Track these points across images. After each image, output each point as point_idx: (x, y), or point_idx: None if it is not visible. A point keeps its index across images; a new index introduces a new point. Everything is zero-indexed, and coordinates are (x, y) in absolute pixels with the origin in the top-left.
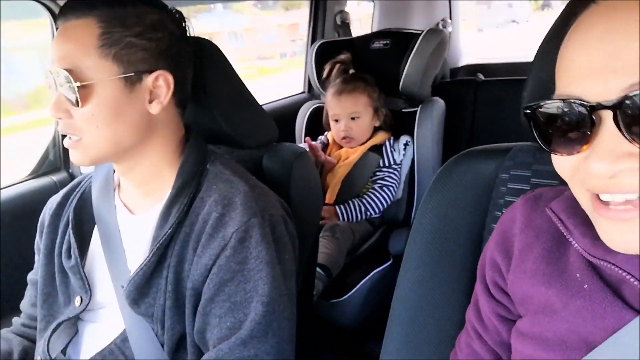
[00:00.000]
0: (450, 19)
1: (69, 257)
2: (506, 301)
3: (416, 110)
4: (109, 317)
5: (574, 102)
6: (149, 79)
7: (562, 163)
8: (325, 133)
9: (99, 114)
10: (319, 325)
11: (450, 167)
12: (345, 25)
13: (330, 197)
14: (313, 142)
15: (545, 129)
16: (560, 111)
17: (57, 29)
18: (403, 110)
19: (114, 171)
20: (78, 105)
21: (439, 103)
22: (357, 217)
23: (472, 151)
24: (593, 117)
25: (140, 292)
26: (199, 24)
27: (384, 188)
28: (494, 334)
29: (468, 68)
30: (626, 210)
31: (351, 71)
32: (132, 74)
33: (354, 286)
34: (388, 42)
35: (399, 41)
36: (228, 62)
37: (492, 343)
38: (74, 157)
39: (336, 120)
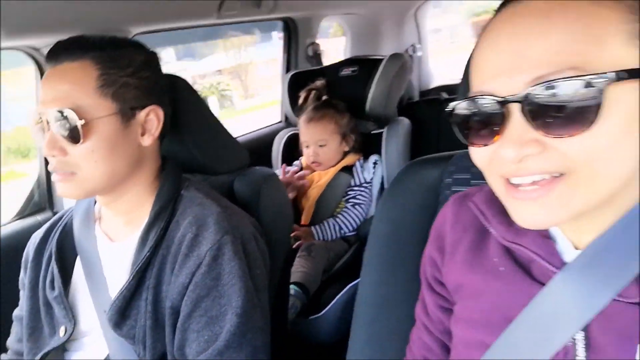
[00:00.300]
0: (420, 44)
1: (53, 288)
2: (445, 292)
3: (383, 131)
4: (92, 345)
5: (486, 98)
6: (141, 114)
7: (479, 154)
8: (300, 158)
9: (99, 149)
10: (299, 342)
11: (400, 177)
12: (317, 56)
13: (305, 218)
14: (288, 168)
15: (464, 124)
16: (475, 107)
17: (42, 73)
18: (372, 132)
19: (95, 202)
20: (78, 142)
21: (404, 122)
22: (332, 235)
23: (419, 160)
24: (503, 110)
25: (122, 314)
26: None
27: (357, 206)
28: (438, 324)
29: (438, 89)
30: (533, 190)
31: (324, 97)
32: (128, 110)
33: (330, 301)
34: (356, 68)
35: (365, 67)
36: (199, 96)
37: (437, 333)
38: (66, 190)
39: (307, 146)
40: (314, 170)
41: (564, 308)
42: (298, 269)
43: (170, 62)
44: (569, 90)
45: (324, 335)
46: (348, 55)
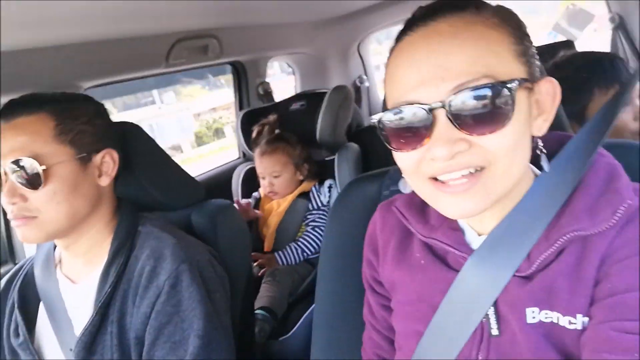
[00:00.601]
0: (366, 75)
1: (17, 335)
2: (384, 292)
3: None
4: None
5: (413, 106)
6: (97, 157)
7: (407, 159)
8: (259, 189)
9: (60, 192)
10: None
11: (344, 193)
12: (267, 94)
13: (268, 245)
14: (243, 201)
15: (392, 133)
16: (401, 116)
17: None
18: (326, 158)
19: (55, 248)
20: (38, 188)
21: (354, 147)
22: (295, 259)
23: (359, 177)
24: (431, 115)
25: (88, 350)
26: None
27: (316, 228)
28: (383, 322)
29: None
30: (462, 183)
31: (277, 131)
32: (85, 154)
33: (297, 321)
34: (304, 102)
35: (313, 101)
36: (151, 138)
37: (384, 331)
38: (28, 234)
39: (263, 177)
40: (272, 200)
41: (476, 289)
42: (264, 294)
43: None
44: (487, 95)
45: (294, 353)
46: (298, 92)
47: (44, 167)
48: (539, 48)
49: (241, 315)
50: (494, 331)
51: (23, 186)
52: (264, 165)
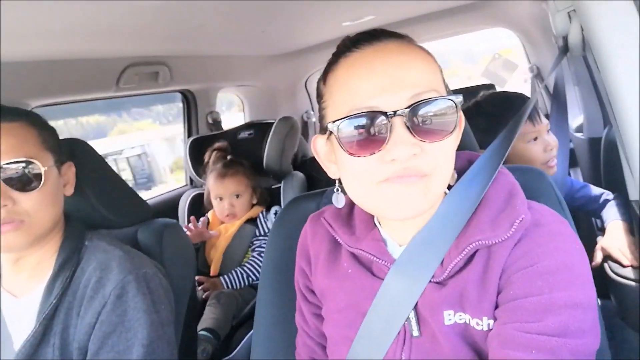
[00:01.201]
0: (313, 110)
1: None
2: (316, 300)
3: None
4: None
5: (373, 112)
6: (64, 168)
7: (362, 163)
8: (207, 214)
9: (49, 195)
10: None
11: (285, 211)
12: (216, 123)
13: (214, 269)
14: (201, 220)
15: (350, 138)
16: (362, 121)
17: None
18: (272, 186)
19: None
20: (32, 190)
21: (299, 176)
22: (240, 283)
23: (300, 196)
24: (390, 122)
25: None
26: None
27: (262, 254)
28: (315, 330)
29: None
30: (411, 177)
31: (229, 157)
32: (59, 162)
33: (239, 342)
34: (252, 132)
35: (261, 130)
36: (99, 156)
37: (316, 338)
38: (14, 239)
39: (220, 199)
40: (221, 224)
41: (398, 295)
42: (208, 316)
43: None
44: (441, 106)
45: None
46: (247, 118)
47: (45, 167)
48: (465, 89)
49: (184, 333)
50: (415, 332)
51: (15, 188)
52: (225, 186)
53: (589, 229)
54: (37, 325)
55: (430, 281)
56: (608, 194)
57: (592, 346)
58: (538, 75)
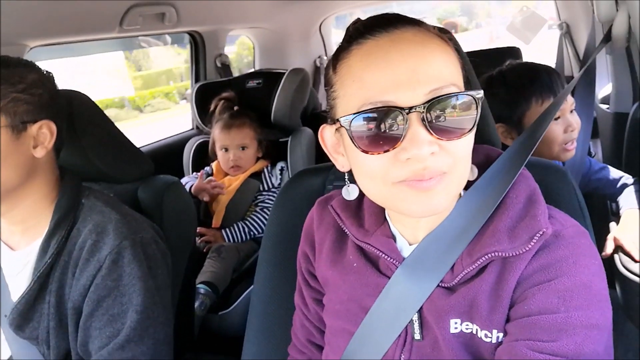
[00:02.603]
0: (326, 56)
1: None
2: (318, 286)
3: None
4: None
5: (388, 108)
6: (33, 128)
7: (376, 161)
8: (211, 164)
9: None
10: (211, 336)
11: (289, 184)
12: (225, 67)
13: (216, 221)
14: (213, 182)
15: (363, 135)
16: (376, 117)
17: None
18: (279, 140)
19: None
20: None
21: (307, 132)
22: (242, 237)
23: (305, 170)
24: (407, 118)
25: (24, 318)
26: None
27: (265, 209)
28: (315, 314)
29: None
30: (430, 181)
31: (235, 108)
32: (19, 124)
33: (238, 297)
34: (261, 81)
35: (269, 80)
36: (99, 109)
37: (315, 322)
38: None
39: (225, 150)
40: (225, 176)
41: (404, 296)
42: (208, 269)
43: None
44: (461, 102)
45: (233, 328)
46: (257, 67)
47: None
48: (486, 52)
49: (182, 290)
50: (417, 335)
51: None
52: (231, 137)
53: (603, 213)
54: (33, 282)
55: (439, 285)
56: (628, 178)
57: None
58: (567, 34)
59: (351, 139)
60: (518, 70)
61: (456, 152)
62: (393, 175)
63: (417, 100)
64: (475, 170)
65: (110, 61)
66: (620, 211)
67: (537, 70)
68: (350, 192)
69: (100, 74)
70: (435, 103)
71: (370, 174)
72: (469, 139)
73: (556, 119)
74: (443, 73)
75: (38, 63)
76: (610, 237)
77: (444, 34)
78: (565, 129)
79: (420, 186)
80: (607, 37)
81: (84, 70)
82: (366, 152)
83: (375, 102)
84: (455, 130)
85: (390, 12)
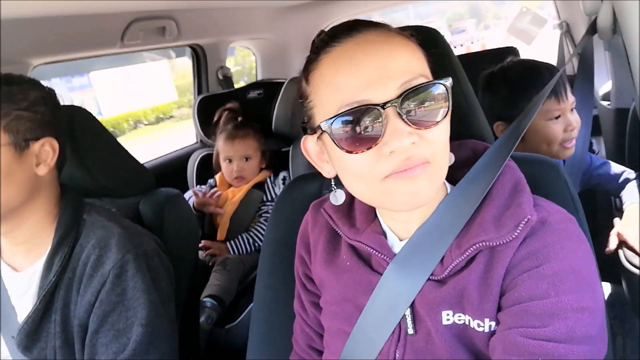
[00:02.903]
0: None
1: None
2: (315, 289)
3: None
4: None
5: (364, 106)
6: (35, 146)
7: (361, 160)
8: (215, 176)
9: None
10: (218, 350)
11: (286, 191)
12: (227, 79)
13: (221, 234)
14: (199, 188)
15: (343, 136)
16: (353, 117)
17: None
18: (281, 149)
19: None
20: None
21: None
22: (246, 249)
23: (302, 176)
24: (383, 113)
25: (31, 338)
26: None
27: None
28: (313, 319)
29: None
30: (414, 170)
31: (239, 119)
32: (21, 142)
33: (244, 310)
34: (262, 91)
35: (270, 90)
36: (100, 124)
37: (314, 327)
38: None
39: (229, 161)
40: (228, 187)
41: (396, 291)
42: (213, 283)
43: None
44: (433, 92)
45: (240, 341)
46: (260, 77)
47: None
48: (483, 53)
49: (186, 303)
50: (410, 330)
51: None
52: (235, 148)
53: (607, 208)
54: (38, 301)
55: (429, 279)
56: (630, 173)
57: (599, 353)
58: (567, 33)
59: (334, 142)
60: (520, 67)
61: (435, 140)
62: (379, 171)
63: (391, 95)
64: (453, 157)
65: (156, 69)
66: (623, 206)
67: (538, 68)
68: (337, 197)
69: (147, 81)
70: (408, 95)
71: (357, 174)
72: (445, 126)
73: (556, 118)
74: (410, 66)
75: (94, 73)
76: (613, 233)
77: (405, 32)
78: (565, 128)
79: (406, 175)
80: (593, 29)
81: (135, 79)
82: (350, 152)
83: (351, 103)
84: (431, 119)
85: (353, 19)
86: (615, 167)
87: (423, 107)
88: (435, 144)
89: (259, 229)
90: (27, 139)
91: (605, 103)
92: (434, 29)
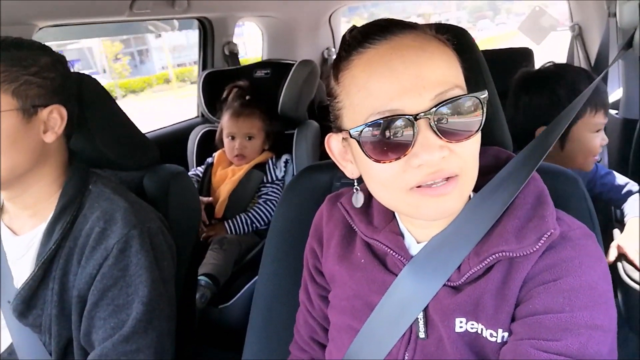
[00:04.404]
0: (335, 47)
1: None
2: (324, 282)
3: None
4: None
5: (397, 116)
6: (44, 112)
7: (388, 170)
8: (213, 154)
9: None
10: (210, 329)
11: (296, 179)
12: (233, 55)
13: (218, 212)
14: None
15: (373, 144)
16: (385, 125)
17: None
18: (285, 132)
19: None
20: None
21: (313, 125)
22: (244, 229)
23: (312, 166)
24: (415, 124)
25: (27, 304)
26: None
27: (268, 202)
28: (319, 311)
29: None
30: (444, 186)
31: (247, 97)
32: (30, 107)
33: (239, 291)
34: (269, 71)
35: (278, 70)
36: (108, 94)
37: (319, 319)
38: None
39: (232, 138)
40: (228, 165)
41: (410, 294)
42: (209, 261)
43: None
44: (467, 105)
45: (233, 321)
46: (265, 56)
47: None
48: (497, 51)
49: (184, 281)
50: (421, 334)
51: None
52: (239, 126)
53: (606, 219)
54: (37, 268)
55: (445, 285)
56: (633, 185)
57: None
58: (579, 36)
59: (362, 150)
60: (575, 73)
61: (465, 154)
62: (406, 182)
63: (424, 106)
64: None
65: None
66: (625, 219)
67: (589, 76)
68: (358, 200)
69: None
70: (442, 107)
71: (383, 182)
72: (477, 139)
73: (597, 131)
74: (446, 76)
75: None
76: (613, 245)
77: (442, 35)
78: (601, 141)
79: (434, 193)
80: (629, 44)
81: None
82: (378, 161)
83: (382, 111)
84: (463, 132)
85: (384, 18)
86: (620, 178)
87: (456, 120)
88: (465, 157)
89: (258, 210)
90: (36, 105)
91: (612, 111)
92: (459, 28)
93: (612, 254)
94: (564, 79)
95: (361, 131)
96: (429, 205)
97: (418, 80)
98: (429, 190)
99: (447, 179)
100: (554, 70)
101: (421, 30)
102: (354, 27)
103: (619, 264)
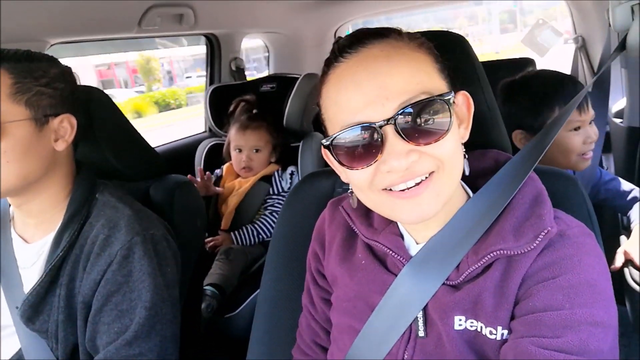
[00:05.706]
0: None
1: None
2: (327, 285)
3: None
4: (4, 339)
5: (363, 125)
6: (55, 121)
7: (360, 175)
8: (222, 166)
9: (11, 151)
10: (216, 339)
11: (299, 186)
12: (240, 71)
13: (225, 223)
14: (207, 173)
15: (344, 152)
16: (353, 135)
17: None
18: (291, 144)
19: (9, 205)
20: None
21: (318, 137)
22: (250, 240)
23: (315, 172)
24: (381, 132)
25: (35, 310)
26: None
27: (274, 213)
28: (322, 314)
29: None
30: (416, 189)
31: (254, 111)
32: (41, 117)
33: (245, 301)
34: (274, 85)
35: (283, 84)
36: (115, 106)
37: (322, 322)
38: None
39: (239, 150)
40: (236, 178)
41: (410, 293)
42: (216, 271)
43: None
44: (429, 108)
45: (238, 331)
46: (272, 70)
47: (6, 122)
48: (501, 62)
49: (189, 290)
50: (421, 333)
51: None
52: (246, 138)
53: (613, 225)
54: (44, 274)
55: (444, 283)
56: (638, 191)
57: None
58: (582, 48)
59: (335, 158)
60: (543, 78)
61: (439, 155)
62: (376, 185)
63: (387, 115)
64: (467, 169)
65: None
66: (632, 225)
67: (562, 79)
68: (354, 202)
69: None
70: (405, 113)
71: (358, 185)
72: (450, 140)
73: (576, 129)
74: (411, 84)
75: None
76: (620, 251)
77: (415, 40)
78: (585, 140)
79: (405, 195)
80: (622, 46)
81: None
82: (350, 169)
83: (350, 122)
84: (432, 134)
85: (361, 28)
86: (625, 184)
87: (422, 123)
88: (439, 156)
89: (264, 221)
90: (47, 115)
91: (617, 120)
92: (457, 34)
93: (619, 260)
94: (531, 84)
95: (332, 142)
96: (404, 208)
97: (381, 91)
98: (399, 194)
99: (420, 182)
100: (527, 77)
101: (392, 38)
102: (339, 38)
103: (626, 270)
